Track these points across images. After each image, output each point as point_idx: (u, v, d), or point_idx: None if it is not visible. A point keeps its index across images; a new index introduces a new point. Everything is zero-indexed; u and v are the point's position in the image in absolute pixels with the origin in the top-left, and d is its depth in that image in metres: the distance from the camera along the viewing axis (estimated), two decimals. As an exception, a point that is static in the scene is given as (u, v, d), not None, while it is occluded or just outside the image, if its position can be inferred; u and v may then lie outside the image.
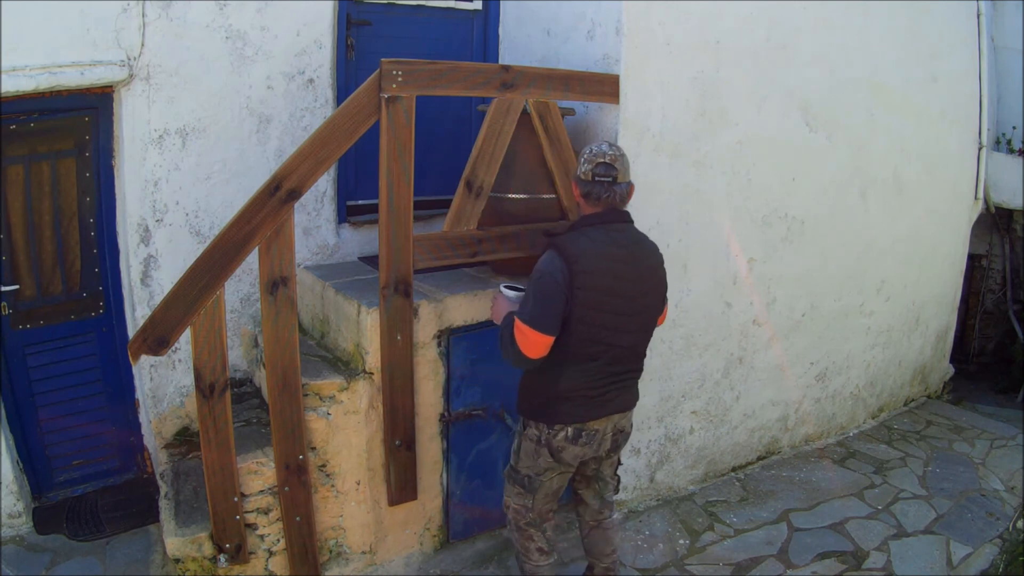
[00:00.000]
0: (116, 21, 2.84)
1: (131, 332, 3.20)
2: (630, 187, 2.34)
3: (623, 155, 2.31)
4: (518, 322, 2.23)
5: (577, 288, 2.18)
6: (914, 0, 4.17)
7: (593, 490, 2.64)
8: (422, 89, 2.53)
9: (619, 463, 2.67)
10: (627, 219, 2.36)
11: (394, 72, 2.44)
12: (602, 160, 2.27)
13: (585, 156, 2.31)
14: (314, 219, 3.42)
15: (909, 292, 4.72)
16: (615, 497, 2.80)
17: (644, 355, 2.45)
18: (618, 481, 2.70)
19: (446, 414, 2.94)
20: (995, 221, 6.18)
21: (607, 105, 3.09)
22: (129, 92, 2.94)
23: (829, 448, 4.33)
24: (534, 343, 2.21)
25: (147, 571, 2.89)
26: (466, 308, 2.89)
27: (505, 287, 2.50)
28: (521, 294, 2.45)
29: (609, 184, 2.27)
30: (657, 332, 3.37)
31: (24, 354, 3.12)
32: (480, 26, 3.73)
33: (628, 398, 2.45)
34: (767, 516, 3.55)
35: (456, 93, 2.67)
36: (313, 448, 2.69)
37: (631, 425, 2.56)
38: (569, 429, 2.35)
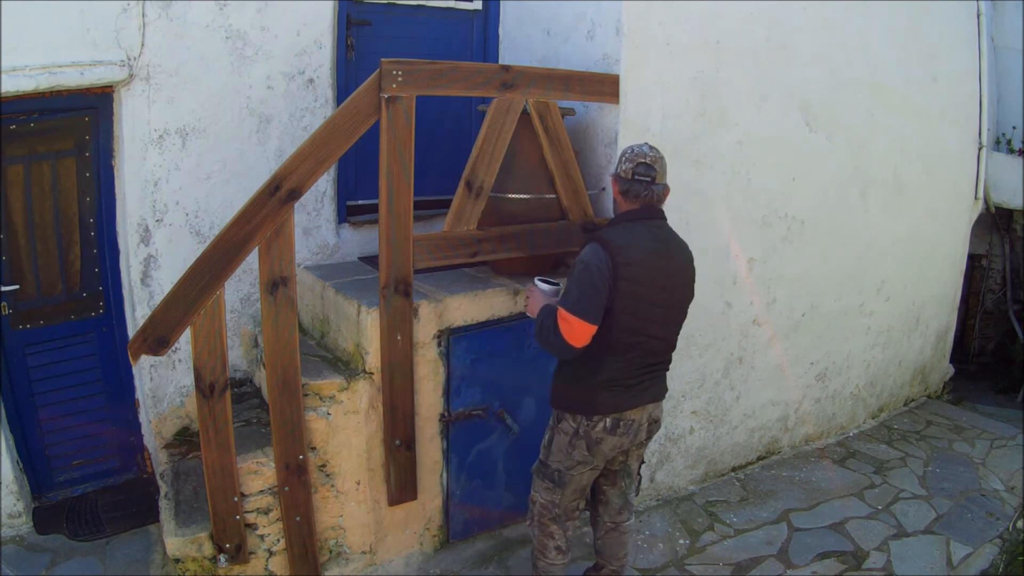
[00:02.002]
0: (116, 21, 2.84)
1: (131, 332, 3.20)
2: (666, 189, 2.42)
3: (662, 157, 2.39)
4: (563, 312, 2.27)
5: (621, 279, 2.24)
6: (914, 0, 4.17)
7: (619, 488, 2.66)
8: (422, 89, 2.53)
9: (643, 460, 2.70)
10: (663, 216, 2.43)
11: (394, 72, 2.44)
12: (643, 160, 2.34)
13: (627, 155, 2.38)
14: (314, 219, 3.42)
15: (909, 292, 4.72)
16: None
17: (675, 347, 2.52)
18: (640, 480, 2.73)
19: (446, 414, 2.94)
20: (995, 221, 6.18)
21: (607, 105, 3.09)
22: (129, 92, 2.94)
23: (829, 448, 4.33)
24: (580, 332, 2.26)
25: (147, 571, 2.88)
26: (466, 308, 2.89)
27: (539, 280, 2.54)
28: (554, 287, 2.51)
29: (648, 183, 2.34)
30: (657, 332, 3.40)
31: (24, 354, 3.12)
32: (480, 26, 3.73)
33: (660, 388, 2.51)
34: (767, 516, 3.55)
35: (456, 93, 2.68)
36: (313, 448, 2.69)
37: (662, 413, 2.61)
38: (608, 420, 2.39)
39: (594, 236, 2.35)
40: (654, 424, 2.55)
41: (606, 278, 2.24)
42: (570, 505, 2.56)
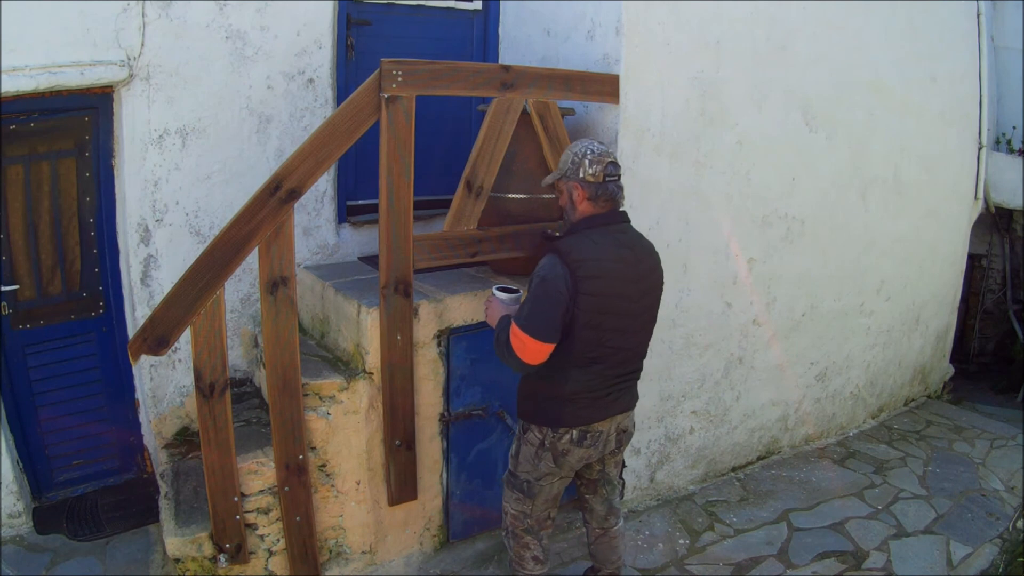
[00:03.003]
0: (116, 21, 2.84)
1: (131, 332, 3.20)
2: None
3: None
4: (515, 328, 2.17)
5: (582, 294, 2.13)
6: (914, 0, 4.17)
7: (600, 495, 2.60)
8: (422, 89, 2.53)
9: (624, 464, 2.65)
10: (627, 219, 2.34)
11: (394, 72, 2.44)
12: (610, 160, 2.25)
13: (589, 157, 2.24)
14: (314, 219, 3.42)
15: (909, 292, 4.72)
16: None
17: (645, 354, 2.44)
18: (623, 484, 2.67)
19: (446, 414, 2.94)
20: (995, 221, 6.18)
21: (607, 105, 3.09)
22: (129, 92, 2.94)
23: (829, 448, 4.33)
24: (532, 350, 2.16)
25: (147, 571, 2.88)
26: (466, 308, 2.89)
27: (498, 289, 2.46)
28: (515, 295, 2.42)
29: (617, 182, 2.25)
30: (657, 332, 3.39)
31: (24, 354, 3.12)
32: (480, 26, 3.73)
33: (630, 398, 2.44)
34: (767, 516, 3.55)
35: (456, 93, 2.67)
36: (313, 448, 2.69)
37: (633, 424, 2.54)
38: (574, 432, 2.31)
39: (552, 247, 2.21)
40: (623, 434, 2.47)
41: (564, 294, 2.12)
42: (542, 515, 2.49)
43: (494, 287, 2.47)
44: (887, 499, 3.72)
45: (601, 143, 2.30)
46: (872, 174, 4.18)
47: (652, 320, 2.39)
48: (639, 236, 2.35)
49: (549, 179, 2.41)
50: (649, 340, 2.42)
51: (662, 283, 2.40)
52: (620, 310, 2.22)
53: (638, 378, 2.45)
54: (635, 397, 2.47)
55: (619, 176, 2.26)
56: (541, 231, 2.78)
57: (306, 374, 2.70)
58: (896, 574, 3.12)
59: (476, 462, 3.08)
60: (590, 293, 2.14)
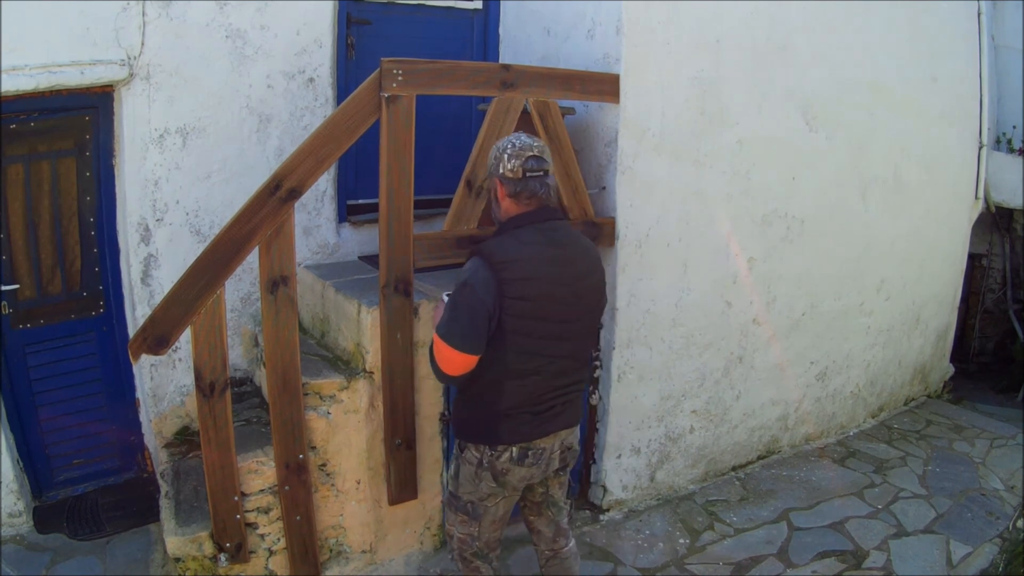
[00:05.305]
0: (116, 20, 2.84)
1: (131, 331, 3.20)
2: (556, 181, 2.16)
3: (546, 146, 2.13)
4: (436, 337, 2.04)
5: (509, 299, 1.98)
6: (914, 0, 4.17)
7: (546, 518, 2.42)
8: (422, 88, 2.53)
9: (569, 484, 2.47)
10: (560, 216, 2.16)
11: (394, 71, 2.44)
12: (531, 153, 2.06)
13: (508, 151, 2.08)
14: (314, 218, 3.42)
15: (909, 291, 4.72)
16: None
17: (588, 362, 2.25)
18: (571, 504, 2.49)
19: (446, 413, 2.94)
20: (995, 221, 6.18)
21: (607, 104, 3.09)
22: (129, 91, 2.94)
23: (829, 447, 4.33)
24: (450, 361, 2.02)
25: (147, 570, 2.89)
26: (466, 307, 2.89)
27: (447, 295, 2.22)
28: None
29: (542, 178, 2.07)
30: (657, 332, 3.41)
31: (24, 353, 3.12)
32: (480, 25, 3.73)
33: (573, 413, 2.25)
34: (767, 515, 3.55)
35: (456, 92, 2.67)
36: (313, 447, 2.69)
37: (578, 441, 2.36)
38: (514, 450, 2.14)
39: (476, 249, 2.05)
40: (568, 451, 2.28)
41: (487, 300, 1.96)
42: (491, 537, 2.32)
43: (444, 293, 2.22)
44: (887, 498, 3.72)
45: (532, 135, 2.14)
46: (872, 173, 4.18)
47: (593, 325, 2.23)
48: (575, 235, 2.18)
49: (482, 178, 2.23)
50: (591, 344, 2.26)
51: (603, 284, 2.24)
52: (555, 315, 2.06)
53: (582, 390, 2.28)
54: (579, 412, 2.29)
55: (545, 171, 2.08)
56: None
57: (306, 373, 2.70)
58: (896, 573, 3.12)
59: (476, 461, 3.07)
60: (518, 297, 1.99)
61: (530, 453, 2.16)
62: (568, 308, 2.08)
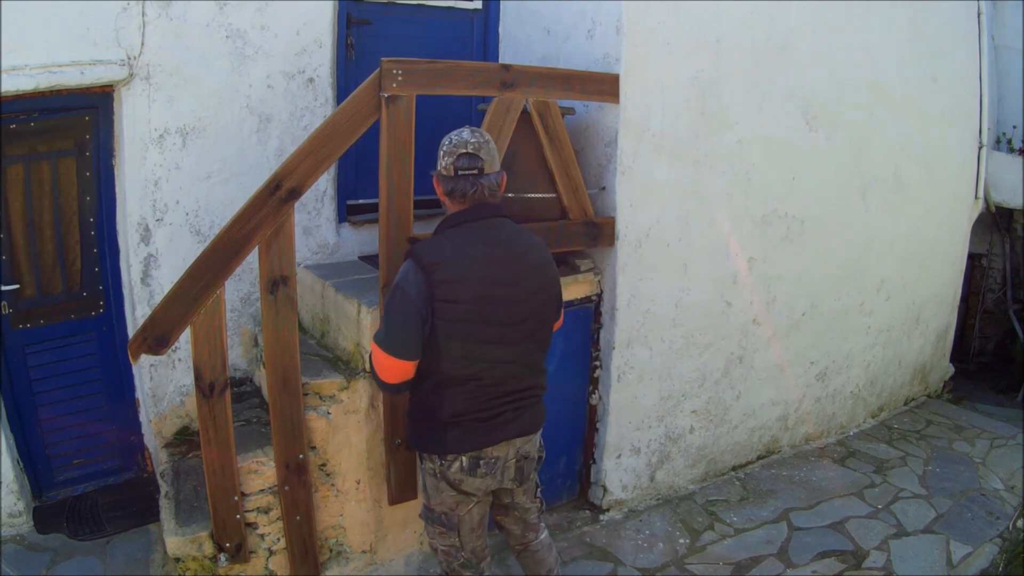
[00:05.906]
0: (116, 20, 2.84)
1: (131, 331, 3.20)
2: (501, 177, 2.05)
3: (488, 141, 2.03)
4: (373, 344, 1.99)
5: (440, 301, 1.91)
6: (914, 0, 4.17)
7: (513, 518, 2.38)
8: (422, 88, 2.53)
9: (538, 485, 2.39)
10: (499, 213, 2.06)
11: (394, 71, 2.44)
12: (464, 151, 1.98)
13: (444, 148, 2.01)
14: (314, 218, 3.42)
15: (909, 291, 4.72)
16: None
17: (542, 369, 2.17)
18: (542, 502, 2.43)
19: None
20: (995, 220, 6.19)
21: (607, 104, 3.09)
22: (129, 91, 2.94)
23: (829, 447, 4.33)
24: (387, 367, 1.98)
25: (147, 570, 2.89)
26: (466, 307, 2.89)
27: None
28: None
29: (475, 178, 1.98)
30: (657, 331, 3.41)
31: (24, 353, 3.12)
32: (480, 25, 3.73)
33: (529, 420, 2.15)
34: (767, 515, 3.55)
35: (456, 92, 2.67)
36: (313, 447, 2.69)
37: (539, 449, 2.27)
38: (464, 459, 2.07)
39: (408, 251, 2.00)
40: (525, 461, 2.18)
41: (418, 304, 1.90)
42: (476, 545, 2.23)
43: None
44: (887, 498, 3.72)
45: (476, 130, 2.05)
46: (872, 173, 4.18)
47: (541, 327, 2.11)
48: (519, 233, 2.08)
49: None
50: (543, 349, 2.15)
51: (553, 283, 2.14)
52: (493, 318, 1.97)
53: (539, 396, 2.19)
54: (539, 419, 2.19)
55: (478, 169, 1.98)
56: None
57: (306, 373, 2.70)
58: (896, 573, 3.12)
59: (476, 461, 3.07)
60: (450, 300, 1.92)
61: (481, 463, 2.10)
62: (509, 310, 1.99)
